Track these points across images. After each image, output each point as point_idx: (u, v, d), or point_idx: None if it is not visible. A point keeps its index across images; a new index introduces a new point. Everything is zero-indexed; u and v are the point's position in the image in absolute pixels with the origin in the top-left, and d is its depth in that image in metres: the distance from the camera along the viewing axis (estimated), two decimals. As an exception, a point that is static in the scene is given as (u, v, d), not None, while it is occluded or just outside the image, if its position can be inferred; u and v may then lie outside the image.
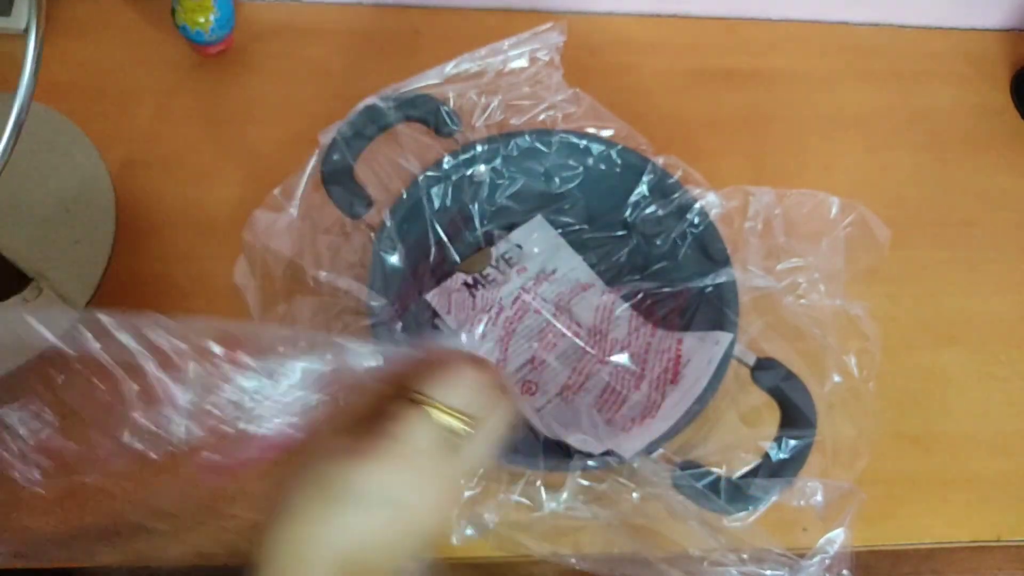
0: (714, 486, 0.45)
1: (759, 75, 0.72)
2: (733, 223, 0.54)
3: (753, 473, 0.45)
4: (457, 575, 0.51)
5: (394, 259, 0.52)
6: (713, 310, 0.53)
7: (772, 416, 0.48)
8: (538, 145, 0.56)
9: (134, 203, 0.59)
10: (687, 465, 0.45)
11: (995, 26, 0.77)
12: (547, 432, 0.50)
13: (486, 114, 0.56)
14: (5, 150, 0.34)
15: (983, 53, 0.75)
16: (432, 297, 0.56)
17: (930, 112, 0.72)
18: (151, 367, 0.29)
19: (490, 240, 0.59)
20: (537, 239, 0.59)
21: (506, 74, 0.56)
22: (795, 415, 0.47)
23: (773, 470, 0.45)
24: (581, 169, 0.58)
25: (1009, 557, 0.56)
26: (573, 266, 0.58)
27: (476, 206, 0.58)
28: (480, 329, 0.55)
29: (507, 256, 0.58)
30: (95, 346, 0.29)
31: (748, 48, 0.73)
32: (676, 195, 0.55)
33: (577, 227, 0.59)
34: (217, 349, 0.30)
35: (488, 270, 0.57)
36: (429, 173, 0.54)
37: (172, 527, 0.33)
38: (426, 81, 0.55)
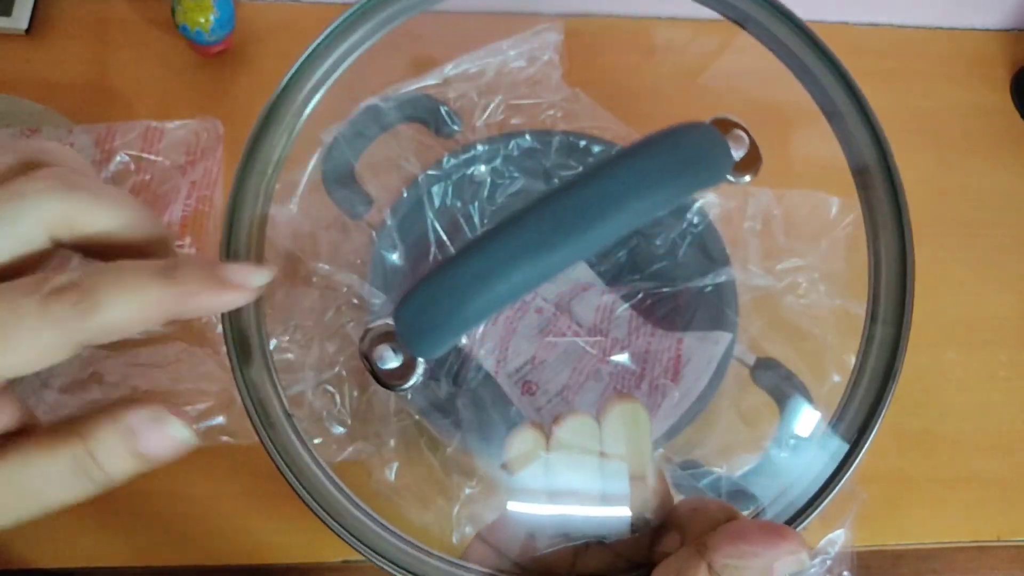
0: (714, 486, 0.45)
1: (759, 75, 0.72)
2: (732, 223, 0.54)
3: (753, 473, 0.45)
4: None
5: (395, 257, 0.52)
6: (713, 310, 0.53)
7: (772, 416, 0.48)
8: (538, 145, 0.56)
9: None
10: (687, 465, 0.45)
11: (995, 26, 0.77)
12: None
13: (486, 114, 0.56)
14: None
15: (983, 53, 0.75)
16: (432, 297, 0.56)
17: (930, 112, 0.72)
18: None
19: (490, 240, 0.59)
20: (537, 239, 0.59)
21: (506, 74, 0.56)
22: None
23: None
24: (581, 169, 0.58)
25: (1009, 557, 0.56)
26: (573, 266, 0.58)
27: (476, 206, 0.58)
28: (480, 329, 0.55)
29: (507, 256, 0.58)
30: None
31: (748, 48, 0.73)
32: (676, 195, 0.55)
33: (577, 227, 0.59)
34: None
35: (488, 270, 0.57)
36: (430, 172, 0.54)
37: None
38: (426, 81, 0.55)
